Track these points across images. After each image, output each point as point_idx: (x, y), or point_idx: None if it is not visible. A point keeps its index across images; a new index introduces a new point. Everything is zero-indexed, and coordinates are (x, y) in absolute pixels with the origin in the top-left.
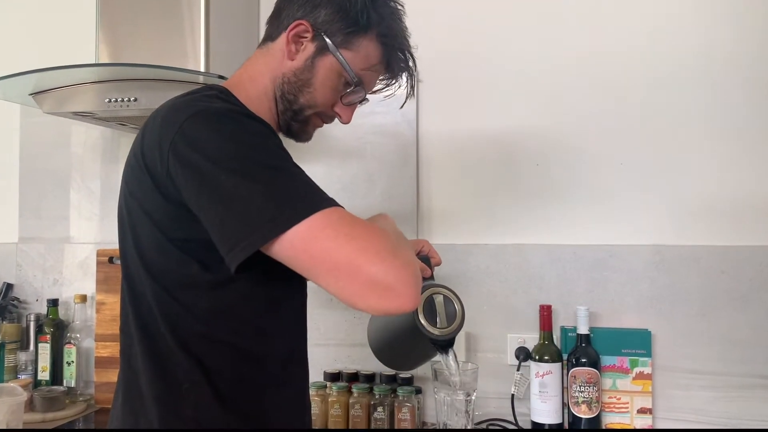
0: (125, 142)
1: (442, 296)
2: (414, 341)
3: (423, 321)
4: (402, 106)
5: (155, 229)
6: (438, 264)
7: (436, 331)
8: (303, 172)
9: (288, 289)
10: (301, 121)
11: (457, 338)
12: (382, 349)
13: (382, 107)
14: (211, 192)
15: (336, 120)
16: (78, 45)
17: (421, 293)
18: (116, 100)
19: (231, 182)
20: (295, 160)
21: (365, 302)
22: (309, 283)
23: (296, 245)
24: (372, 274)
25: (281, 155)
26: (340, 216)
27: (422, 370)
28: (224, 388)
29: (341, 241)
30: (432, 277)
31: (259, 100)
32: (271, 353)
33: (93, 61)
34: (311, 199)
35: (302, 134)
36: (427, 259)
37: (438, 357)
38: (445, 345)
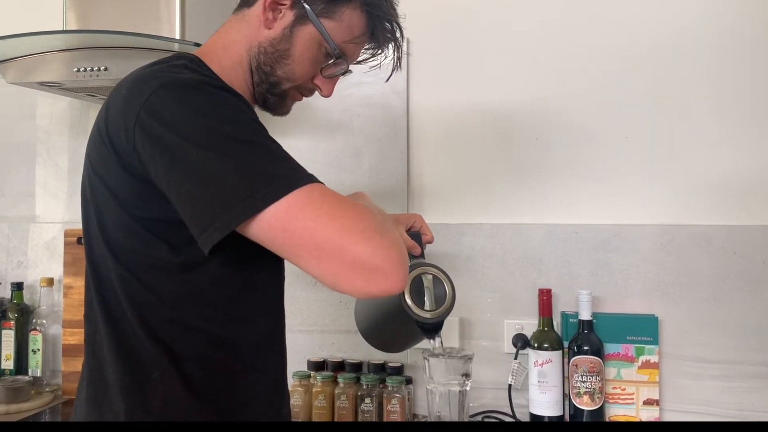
0: (95, 114)
1: (431, 276)
2: (401, 324)
3: (409, 302)
4: (388, 80)
5: (120, 208)
6: (430, 242)
7: (423, 314)
8: (280, 147)
9: (263, 271)
10: (278, 94)
11: (450, 324)
12: (368, 331)
13: (370, 77)
14: (182, 169)
15: (316, 93)
16: (44, 10)
17: (409, 272)
18: (85, 70)
19: (203, 158)
20: (275, 134)
21: (350, 284)
22: (290, 265)
23: (274, 225)
24: (357, 255)
25: (257, 129)
26: (321, 193)
27: (413, 359)
28: (194, 378)
29: (323, 219)
30: (422, 256)
31: (233, 70)
32: (246, 340)
33: (60, 28)
34: (290, 176)
35: (279, 108)
36: (418, 235)
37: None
38: (433, 329)
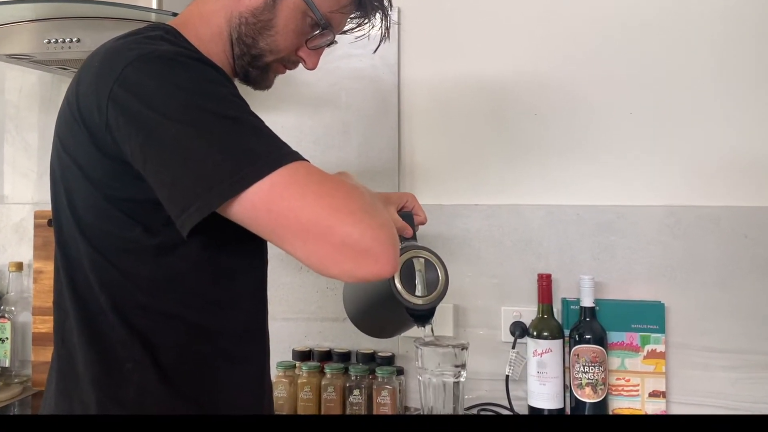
0: (66, 88)
1: (423, 260)
2: (390, 309)
3: (399, 287)
4: (375, 50)
5: (92, 188)
6: (423, 222)
7: (414, 300)
8: (263, 123)
9: (244, 254)
10: (260, 67)
11: (443, 312)
12: (357, 317)
13: (359, 50)
14: (159, 147)
15: (300, 66)
16: None
17: (400, 256)
18: (56, 41)
19: (182, 135)
20: (258, 110)
21: (338, 268)
22: (274, 249)
23: (258, 205)
24: (345, 236)
25: (238, 104)
26: (307, 171)
27: (405, 348)
28: (171, 368)
29: (309, 199)
30: (414, 238)
31: (212, 42)
32: (225, 328)
33: None
34: (273, 153)
35: (262, 82)
36: (410, 216)
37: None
38: (424, 317)
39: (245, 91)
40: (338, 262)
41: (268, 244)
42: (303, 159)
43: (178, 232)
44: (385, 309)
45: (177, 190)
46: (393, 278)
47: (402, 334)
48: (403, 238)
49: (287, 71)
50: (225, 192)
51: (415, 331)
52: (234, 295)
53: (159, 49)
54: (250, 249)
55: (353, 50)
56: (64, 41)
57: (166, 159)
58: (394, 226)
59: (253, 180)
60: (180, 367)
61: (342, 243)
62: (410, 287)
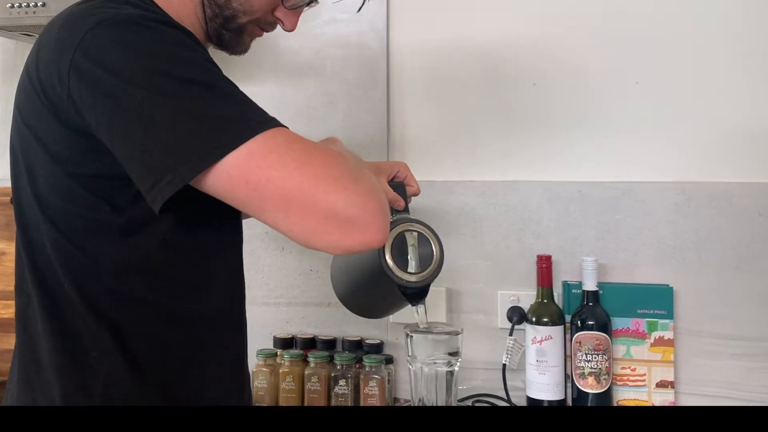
0: None
1: (416, 234)
2: (380, 286)
3: (390, 263)
4: (359, 10)
5: (54, 164)
6: (416, 194)
7: (406, 277)
8: (238, 88)
9: (220, 233)
10: (234, 29)
11: (436, 296)
12: (344, 294)
13: (345, 14)
14: (126, 116)
15: (279, 28)
16: None
17: (391, 229)
18: (20, 5)
19: (149, 103)
20: (236, 79)
21: (324, 239)
22: (254, 229)
23: (234, 176)
24: (330, 205)
25: (209, 69)
26: (286, 138)
27: (395, 335)
28: (141, 357)
29: (290, 167)
30: (406, 210)
31: (181, 4)
32: (199, 312)
33: None
34: (250, 120)
35: (237, 46)
36: (402, 186)
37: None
38: (417, 295)
39: (221, 58)
40: (323, 233)
41: (243, 221)
42: (282, 125)
43: (147, 208)
44: (375, 287)
45: (146, 163)
46: (383, 253)
47: (393, 318)
48: (394, 211)
49: (264, 34)
50: (198, 163)
51: (405, 316)
52: (208, 277)
53: (122, 12)
54: (226, 225)
55: (339, 14)
56: (28, 5)
57: (133, 130)
58: (387, 196)
59: (229, 149)
60: (150, 355)
61: (327, 212)
62: (402, 263)
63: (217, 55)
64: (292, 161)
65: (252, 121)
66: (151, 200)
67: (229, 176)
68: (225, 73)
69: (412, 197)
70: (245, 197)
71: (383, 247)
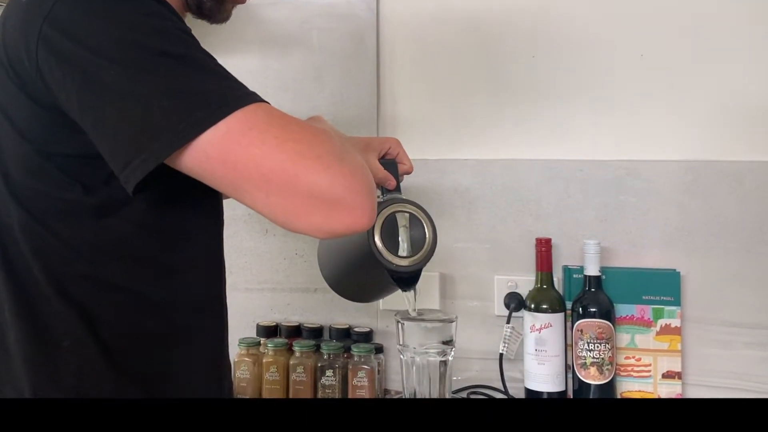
0: None
1: (407, 215)
2: (370, 270)
3: (380, 246)
4: None
5: (23, 142)
6: (408, 172)
7: (396, 261)
8: (215, 61)
9: (198, 214)
10: None
11: (428, 281)
12: (332, 278)
13: None
14: (98, 92)
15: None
16: None
17: (381, 210)
18: None
19: (123, 77)
20: (217, 52)
21: (306, 221)
22: (237, 210)
23: (212, 154)
24: (313, 185)
25: (185, 40)
26: (266, 114)
27: (385, 322)
28: (115, 346)
29: (271, 145)
30: (398, 190)
31: None
32: (176, 299)
33: None
34: (228, 95)
35: (217, 13)
36: (393, 164)
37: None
38: (408, 281)
39: (199, 29)
40: (306, 215)
41: (225, 202)
42: (262, 100)
43: (121, 189)
44: (364, 270)
45: (119, 141)
46: (372, 235)
47: (383, 305)
48: (385, 191)
49: (247, 1)
50: (174, 140)
51: (396, 302)
52: (186, 261)
53: None
54: (205, 206)
55: None
56: None
57: (105, 106)
58: (375, 175)
59: (206, 125)
60: (125, 344)
61: (309, 193)
62: (392, 246)
63: (195, 26)
64: (273, 138)
65: (230, 96)
66: (124, 180)
67: (207, 155)
68: (203, 45)
69: (405, 176)
70: (223, 177)
71: (372, 229)
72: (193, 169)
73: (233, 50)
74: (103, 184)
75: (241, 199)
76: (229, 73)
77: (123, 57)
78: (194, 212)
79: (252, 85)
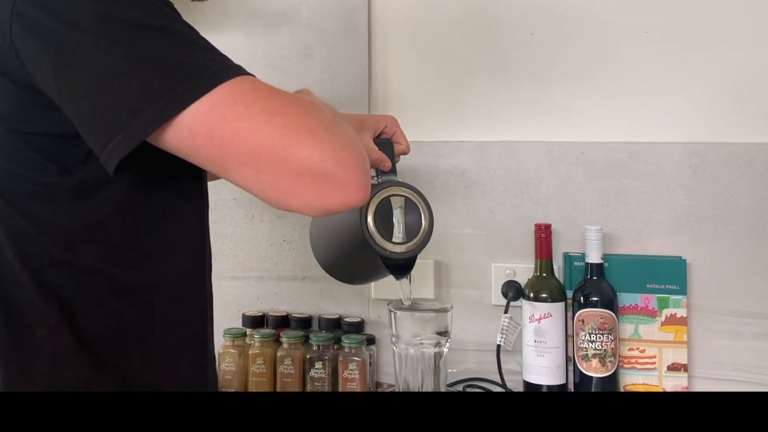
0: None
1: (403, 199)
2: (362, 256)
3: (373, 230)
4: None
5: None
6: (405, 152)
7: (390, 247)
8: (197, 33)
9: (181, 196)
10: None
11: (422, 269)
12: (324, 260)
13: None
14: (75, 66)
15: None
16: None
17: (375, 193)
18: None
19: (101, 51)
20: (201, 28)
21: (297, 198)
22: (221, 194)
23: (197, 130)
24: (304, 160)
25: (165, 11)
26: (253, 87)
27: (377, 312)
28: (92, 335)
29: (259, 119)
30: (393, 171)
31: None
32: (157, 286)
33: None
34: (212, 67)
35: None
36: (389, 144)
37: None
38: (401, 268)
39: (183, 4)
40: (297, 192)
41: (209, 185)
42: (247, 73)
43: (100, 169)
44: (356, 255)
45: (98, 118)
46: (365, 219)
47: (375, 294)
48: (379, 172)
49: None
50: (156, 116)
51: (389, 290)
52: (168, 246)
53: None
54: (189, 188)
55: None
56: None
57: (83, 80)
58: (369, 156)
59: (190, 100)
60: (103, 334)
61: (300, 168)
62: (386, 231)
63: (176, 1)
64: (260, 112)
65: (215, 68)
66: (104, 160)
67: (191, 131)
68: (188, 22)
69: (401, 156)
70: (209, 154)
71: (366, 212)
72: (177, 146)
73: (217, 27)
74: (81, 164)
75: (229, 177)
76: (212, 46)
77: (101, 30)
78: (177, 194)
79: (237, 63)
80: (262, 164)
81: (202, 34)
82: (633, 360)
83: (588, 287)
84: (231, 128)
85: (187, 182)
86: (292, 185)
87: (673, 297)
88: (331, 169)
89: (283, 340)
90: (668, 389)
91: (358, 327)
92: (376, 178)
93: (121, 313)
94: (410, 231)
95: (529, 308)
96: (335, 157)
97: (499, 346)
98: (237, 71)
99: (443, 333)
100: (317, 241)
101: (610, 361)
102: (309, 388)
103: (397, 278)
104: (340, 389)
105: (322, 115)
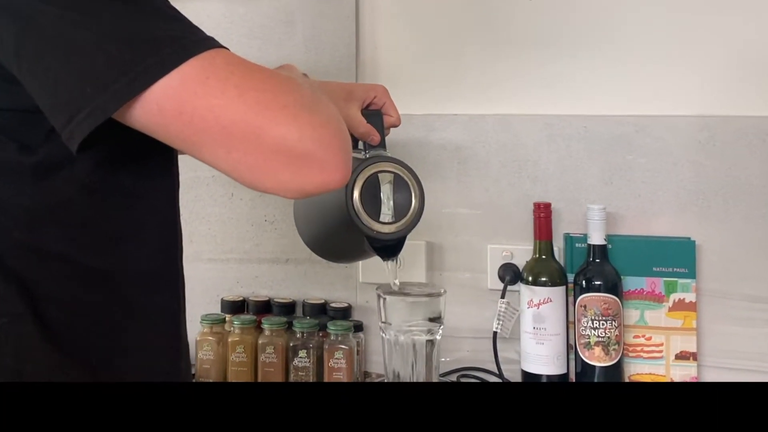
0: None
1: (391, 175)
2: (347, 235)
3: (359, 208)
4: None
5: None
6: (395, 125)
7: (377, 227)
8: (169, 3)
9: (150, 175)
10: None
11: (413, 250)
12: (308, 238)
13: None
14: (37, 38)
15: None
16: None
17: (362, 169)
18: None
19: (65, 22)
20: None
21: (273, 179)
22: (198, 171)
23: (166, 106)
24: (279, 138)
25: None
26: (226, 61)
27: (365, 297)
28: (57, 323)
29: (231, 95)
30: (383, 146)
31: None
32: (126, 271)
33: None
34: (183, 39)
35: None
36: (378, 115)
37: None
38: (389, 250)
39: None
40: (272, 172)
41: (187, 162)
42: (220, 46)
43: (63, 147)
44: (341, 234)
45: (61, 93)
46: (351, 197)
47: (363, 278)
48: (368, 146)
49: None
50: (122, 91)
51: (378, 274)
52: (136, 228)
53: None
54: (158, 167)
55: None
56: None
57: (45, 54)
58: (356, 129)
59: (159, 74)
60: (69, 321)
61: (275, 147)
62: (373, 210)
63: None
64: (233, 87)
65: (185, 40)
66: (67, 137)
67: (160, 107)
68: None
69: (391, 128)
70: (179, 132)
71: (351, 190)
72: (144, 123)
73: None
74: (43, 141)
75: (200, 156)
76: (184, 17)
77: (66, 2)
78: (146, 173)
79: (215, 32)
80: (235, 142)
81: (176, 1)
82: (638, 348)
83: (590, 270)
84: (202, 104)
85: (157, 161)
86: (267, 165)
87: (681, 281)
88: (308, 148)
89: (265, 326)
90: (676, 379)
91: (344, 313)
92: (363, 153)
93: (87, 299)
94: (399, 210)
95: (527, 293)
96: (313, 135)
97: (495, 333)
98: (209, 44)
99: (436, 319)
100: (302, 219)
101: (614, 350)
102: (292, 378)
103: (385, 260)
104: (326, 379)
105: (300, 91)
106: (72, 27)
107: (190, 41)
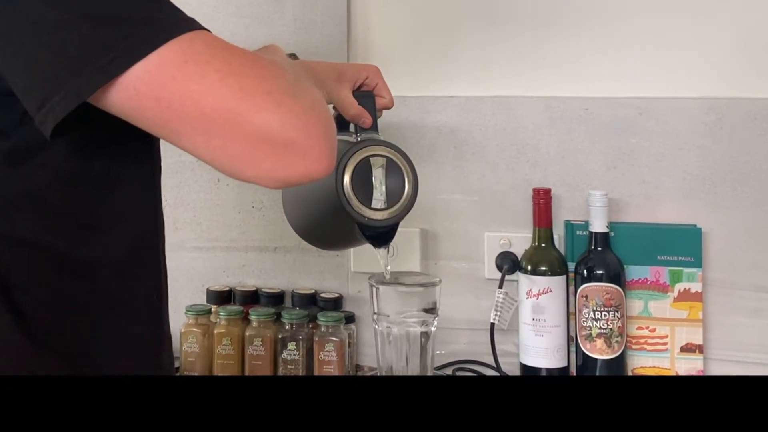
0: None
1: (384, 160)
2: (338, 222)
3: (349, 193)
4: None
5: None
6: (388, 107)
7: (368, 213)
8: None
9: (128, 161)
10: None
11: (407, 238)
12: (297, 224)
13: None
14: (11, 20)
15: None
16: None
17: (353, 153)
18: None
19: (39, 3)
20: None
21: (254, 168)
22: (183, 156)
23: (143, 91)
24: (261, 126)
25: None
26: (206, 43)
27: (357, 287)
28: (32, 314)
29: (212, 79)
30: (375, 129)
31: None
32: (104, 260)
33: None
34: (162, 21)
35: None
36: (370, 97)
37: None
38: (381, 237)
39: None
40: (254, 161)
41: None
42: (201, 28)
43: (37, 132)
44: (332, 220)
45: (34, 76)
46: (342, 182)
47: (354, 267)
48: (360, 129)
49: None
50: (97, 75)
51: (370, 263)
52: (115, 216)
53: None
54: (137, 152)
55: None
56: None
57: (17, 34)
58: (347, 111)
59: (136, 57)
60: (44, 312)
61: (257, 135)
62: (365, 196)
63: None
64: (214, 72)
65: (164, 22)
66: (40, 122)
67: (137, 92)
68: None
69: (384, 110)
70: (157, 117)
71: (342, 174)
72: (121, 108)
73: None
74: (16, 126)
75: (179, 143)
76: None
77: None
78: (124, 159)
79: (199, 11)
80: (215, 129)
81: None
82: (642, 340)
83: (592, 259)
84: (180, 89)
85: (135, 146)
86: (248, 153)
87: (686, 270)
88: (291, 136)
89: (252, 318)
90: (681, 373)
91: (335, 303)
92: (355, 136)
93: (63, 290)
94: (392, 195)
95: (526, 282)
96: (296, 122)
97: (492, 324)
98: (189, 25)
99: (431, 310)
100: (290, 205)
101: (616, 342)
102: (281, 372)
103: (376, 247)
104: (316, 373)
105: (283, 76)
106: (46, 6)
107: (169, 23)
